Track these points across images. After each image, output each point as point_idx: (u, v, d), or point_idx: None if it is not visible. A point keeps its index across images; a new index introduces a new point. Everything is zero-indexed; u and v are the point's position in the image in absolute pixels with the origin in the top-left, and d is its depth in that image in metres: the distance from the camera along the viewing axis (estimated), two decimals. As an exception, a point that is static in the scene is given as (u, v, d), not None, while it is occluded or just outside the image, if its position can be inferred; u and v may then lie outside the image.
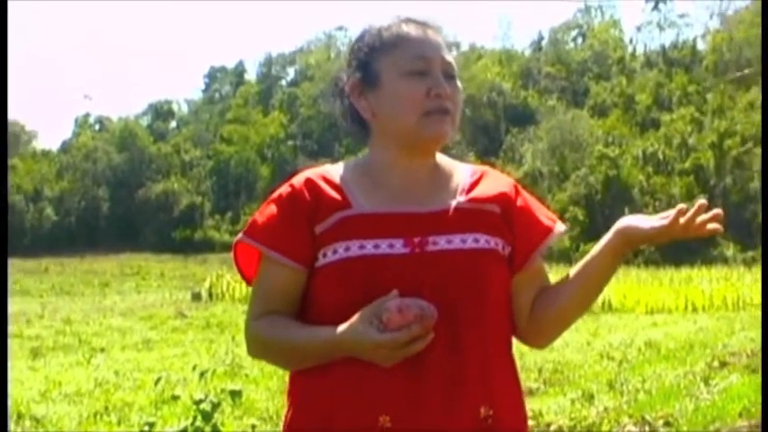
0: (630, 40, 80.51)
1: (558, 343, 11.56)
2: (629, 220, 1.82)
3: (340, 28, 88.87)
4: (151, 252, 60.66)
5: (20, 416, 7.47)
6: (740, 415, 6.79)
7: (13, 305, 21.80)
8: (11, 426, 7.17)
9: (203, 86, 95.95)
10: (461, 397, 1.74)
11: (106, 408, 7.75)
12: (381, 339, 1.65)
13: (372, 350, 1.67)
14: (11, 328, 15.62)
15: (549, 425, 6.75)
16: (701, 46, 71.63)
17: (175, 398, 6.00)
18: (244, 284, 2.08)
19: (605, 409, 7.30)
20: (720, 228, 1.77)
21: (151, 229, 68.25)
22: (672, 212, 1.75)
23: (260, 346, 1.85)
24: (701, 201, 1.77)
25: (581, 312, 1.92)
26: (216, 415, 4.64)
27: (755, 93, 50.21)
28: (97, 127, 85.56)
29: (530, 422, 6.57)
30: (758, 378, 7.99)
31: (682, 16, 78.85)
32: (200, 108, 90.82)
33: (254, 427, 5.99)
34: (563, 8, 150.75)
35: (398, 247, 1.76)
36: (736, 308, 18.87)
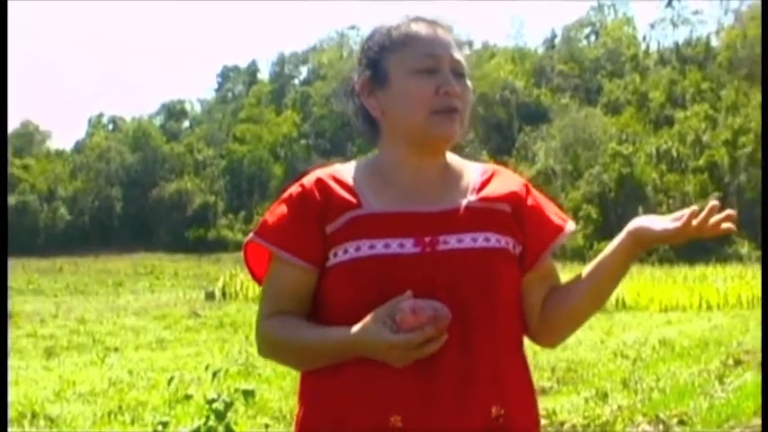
0: (644, 38, 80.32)
1: (571, 341, 11.53)
2: (641, 222, 1.81)
3: (352, 27, 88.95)
4: (165, 251, 60.83)
5: (34, 415, 7.49)
6: (755, 413, 6.76)
7: (28, 304, 21.94)
8: (25, 425, 7.21)
9: (216, 86, 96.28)
10: (473, 396, 1.73)
11: (120, 407, 7.77)
12: (395, 340, 1.64)
13: (386, 351, 1.67)
14: (26, 328, 15.71)
15: (562, 424, 6.73)
16: (714, 43, 71.40)
17: (188, 397, 6.01)
18: (257, 284, 2.08)
19: (619, 407, 7.27)
20: (734, 227, 1.75)
21: (164, 229, 68.46)
22: (685, 214, 1.74)
23: (271, 347, 1.85)
24: (714, 202, 1.75)
25: (593, 312, 1.91)
26: (229, 414, 4.64)
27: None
28: (110, 127, 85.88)
29: (543, 421, 6.56)
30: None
31: (695, 13, 78.38)
32: (213, 107, 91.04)
33: (267, 426, 5.99)
34: (576, 6, 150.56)
35: (409, 246, 1.76)
36: (750, 306, 18.78)
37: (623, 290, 20.37)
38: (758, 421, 6.49)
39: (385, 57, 1.83)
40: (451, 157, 1.91)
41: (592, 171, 56.80)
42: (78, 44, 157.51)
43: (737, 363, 9.72)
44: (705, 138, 56.95)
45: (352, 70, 1.94)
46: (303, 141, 76.38)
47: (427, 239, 1.76)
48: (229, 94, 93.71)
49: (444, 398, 1.71)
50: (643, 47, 78.50)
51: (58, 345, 13.28)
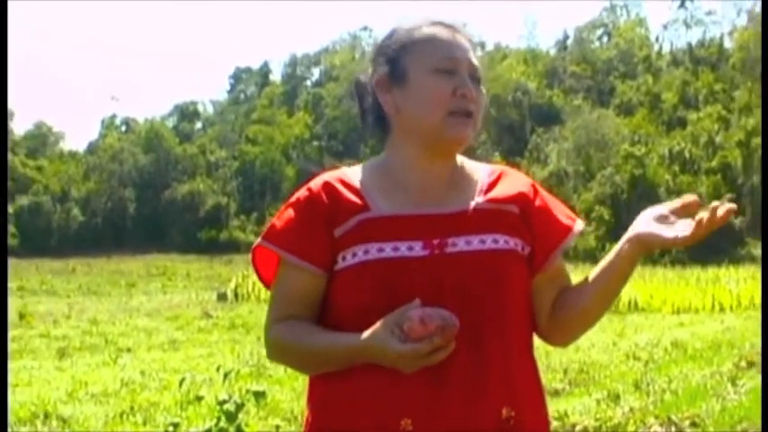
0: (656, 39, 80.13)
1: (583, 343, 11.51)
2: (647, 227, 1.77)
3: (365, 28, 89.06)
4: (177, 252, 60.97)
5: (47, 416, 7.52)
6: (768, 416, 6.72)
7: (41, 305, 22.02)
8: (38, 425, 7.23)
9: (228, 87, 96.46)
10: (483, 398, 1.73)
11: (132, 408, 7.78)
12: (403, 349, 1.64)
13: (394, 359, 1.67)
14: (39, 328, 15.77)
15: (574, 425, 6.71)
16: (727, 44, 71.05)
17: (200, 398, 6.02)
18: (266, 288, 2.07)
19: (631, 409, 7.25)
20: (734, 207, 1.73)
21: (177, 230, 68.62)
22: (692, 223, 1.71)
23: (279, 351, 1.85)
24: (714, 204, 1.72)
25: (602, 312, 1.90)
26: (240, 415, 4.65)
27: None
28: (123, 128, 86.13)
29: (555, 423, 6.55)
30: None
31: (708, 14, 78.11)
32: (225, 109, 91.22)
33: (278, 427, 6.00)
34: (588, 7, 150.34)
35: (418, 249, 1.76)
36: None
37: (636, 291, 20.30)
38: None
39: (404, 55, 1.84)
40: (459, 159, 1.90)
41: (604, 172, 56.66)
42: (91, 46, 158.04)
43: (750, 365, 9.67)
44: (718, 139, 56.75)
45: (361, 72, 1.94)
46: (315, 143, 76.43)
47: (436, 242, 1.76)
48: (242, 96, 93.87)
49: (455, 400, 1.71)
50: (656, 48, 78.29)
51: (71, 345, 13.32)
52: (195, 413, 7.09)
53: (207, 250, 60.76)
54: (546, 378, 8.69)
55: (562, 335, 1.91)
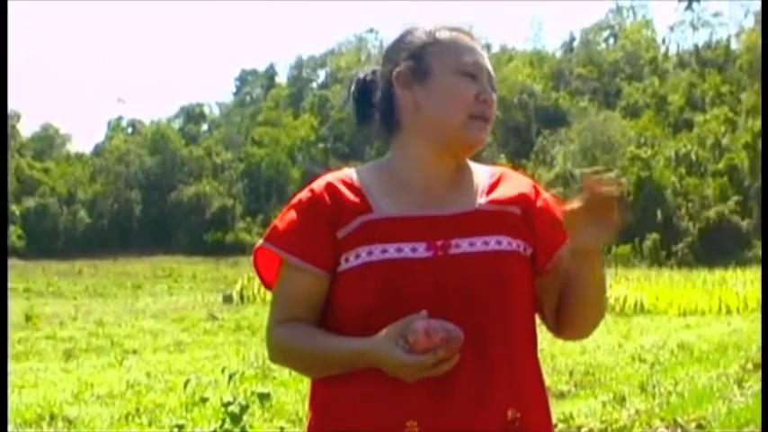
0: (663, 40, 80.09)
1: (589, 345, 11.46)
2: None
3: (370, 30, 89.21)
4: (183, 254, 61.07)
5: (53, 417, 7.52)
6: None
7: (47, 307, 22.06)
8: (44, 427, 7.24)
9: (234, 89, 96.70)
10: (488, 400, 1.73)
11: (137, 409, 7.78)
12: (407, 361, 1.64)
13: (397, 368, 1.66)
14: (45, 330, 15.80)
15: (579, 428, 6.70)
16: (734, 45, 70.98)
17: (205, 400, 6.02)
18: (267, 290, 2.06)
19: (637, 411, 7.23)
20: (623, 183, 1.74)
21: (183, 232, 68.73)
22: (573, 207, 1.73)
23: (281, 353, 1.84)
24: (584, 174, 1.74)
25: (593, 310, 1.87)
26: (245, 417, 4.64)
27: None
28: (129, 130, 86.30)
29: (560, 425, 6.53)
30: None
31: (715, 15, 78.07)
32: (231, 111, 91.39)
33: (282, 429, 5.99)
34: (594, 9, 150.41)
35: (421, 250, 1.75)
36: (770, 310, 18.63)
37: (642, 293, 20.28)
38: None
39: (429, 53, 1.83)
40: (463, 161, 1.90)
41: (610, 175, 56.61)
42: (98, 48, 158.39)
43: (756, 367, 9.64)
44: (725, 141, 56.71)
45: (362, 71, 1.93)
46: (321, 145, 76.53)
47: (439, 243, 1.76)
48: (247, 98, 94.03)
49: (460, 402, 1.71)
50: (662, 50, 78.27)
51: (77, 347, 13.33)
52: (200, 415, 7.09)
53: (213, 252, 60.87)
54: (551, 380, 8.68)
55: (569, 331, 1.92)
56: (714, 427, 6.66)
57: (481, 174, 1.91)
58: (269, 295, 1.89)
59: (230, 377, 5.14)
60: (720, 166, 54.63)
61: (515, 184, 1.90)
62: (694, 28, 77.42)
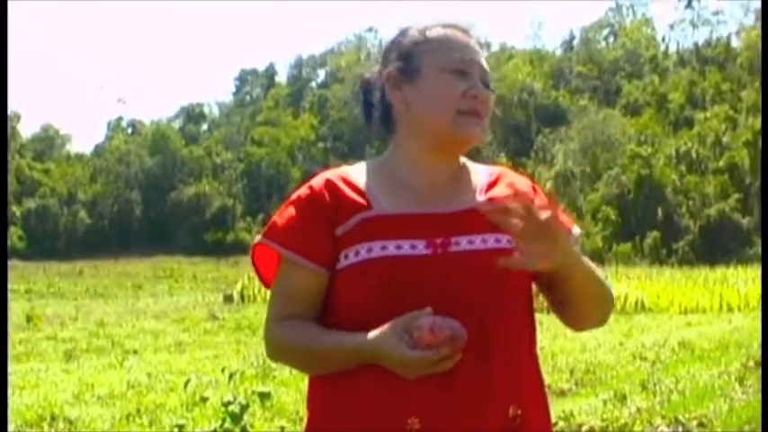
0: (663, 39, 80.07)
1: (590, 343, 11.44)
2: None
3: (370, 29, 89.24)
4: (183, 254, 61.13)
5: (53, 418, 7.51)
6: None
7: (48, 307, 22.05)
8: (44, 428, 7.23)
9: (234, 89, 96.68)
10: (490, 397, 1.73)
11: (138, 410, 7.77)
12: (410, 357, 1.63)
13: (399, 364, 1.66)
14: (46, 331, 15.79)
15: (580, 426, 6.69)
16: (735, 43, 70.96)
17: (205, 400, 6.01)
18: (265, 286, 2.05)
19: (638, 409, 7.23)
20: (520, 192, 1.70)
21: (183, 232, 68.80)
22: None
23: (280, 350, 1.84)
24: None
25: (591, 304, 1.87)
26: (245, 417, 4.64)
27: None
28: (130, 130, 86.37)
29: (561, 423, 6.52)
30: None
31: (716, 13, 77.99)
32: (231, 111, 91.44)
33: (283, 428, 5.98)
34: (594, 7, 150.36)
35: (420, 248, 1.75)
36: (771, 307, 18.60)
37: (643, 292, 20.27)
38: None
39: (418, 52, 1.84)
40: (461, 159, 1.90)
41: (611, 173, 56.63)
42: (98, 48, 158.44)
43: (758, 365, 9.63)
44: (725, 139, 56.69)
45: (367, 71, 1.94)
46: (321, 144, 76.57)
47: (439, 241, 1.76)
48: (247, 98, 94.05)
49: (462, 399, 1.71)
50: (662, 48, 78.26)
51: (78, 347, 13.32)
52: (201, 414, 7.08)
53: (213, 252, 60.94)
54: (552, 378, 8.67)
55: (582, 323, 1.93)
56: (715, 425, 6.66)
57: (480, 173, 1.91)
58: (269, 295, 1.88)
59: (231, 377, 5.14)
60: (721, 163, 54.61)
61: (514, 183, 1.90)
62: (694, 26, 77.45)
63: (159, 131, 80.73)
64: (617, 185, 55.27)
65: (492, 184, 1.87)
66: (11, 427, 7.02)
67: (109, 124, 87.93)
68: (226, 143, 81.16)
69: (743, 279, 26.10)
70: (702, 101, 64.07)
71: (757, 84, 57.03)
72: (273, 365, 9.60)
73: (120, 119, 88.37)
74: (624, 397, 7.80)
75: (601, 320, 1.92)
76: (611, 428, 6.65)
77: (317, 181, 1.84)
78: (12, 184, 61.42)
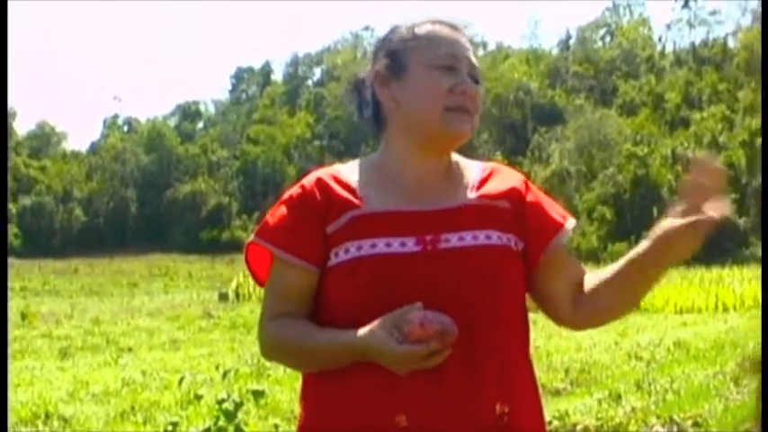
0: (660, 39, 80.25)
1: (585, 343, 11.44)
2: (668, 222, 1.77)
3: (366, 28, 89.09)
4: (179, 253, 61.13)
5: (48, 415, 7.51)
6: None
7: (44, 305, 22.06)
8: (39, 425, 7.22)
9: (230, 87, 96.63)
10: (477, 394, 1.72)
11: (132, 407, 7.77)
12: (400, 351, 1.63)
13: (389, 359, 1.66)
14: (41, 329, 15.79)
15: (575, 425, 6.69)
16: (731, 43, 71.02)
17: (199, 398, 6.00)
18: (259, 286, 2.06)
19: (633, 409, 7.23)
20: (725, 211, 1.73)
21: (179, 230, 68.78)
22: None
23: (274, 349, 1.84)
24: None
25: (626, 308, 1.89)
26: (239, 415, 4.63)
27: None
28: (125, 128, 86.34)
29: (556, 422, 6.51)
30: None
31: (712, 14, 78.20)
32: (227, 109, 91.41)
33: (276, 426, 5.98)
34: (591, 7, 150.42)
35: (410, 245, 1.74)
36: (767, 308, 18.60)
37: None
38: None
39: (405, 49, 1.83)
40: (453, 156, 1.90)
41: (606, 172, 56.68)
42: (94, 46, 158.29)
43: (753, 365, 9.64)
44: (722, 139, 56.72)
45: (363, 70, 1.94)
46: (317, 142, 76.56)
47: (428, 238, 1.75)
48: (243, 96, 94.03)
49: (449, 396, 1.70)
50: (659, 48, 78.33)
51: (73, 345, 13.33)
52: (195, 412, 7.08)
53: (209, 250, 60.92)
54: (547, 378, 8.67)
55: (594, 319, 1.91)
56: (710, 424, 6.66)
57: (473, 169, 1.90)
58: (263, 294, 1.88)
59: (225, 375, 5.13)
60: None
61: (506, 178, 1.89)
62: (691, 26, 77.49)
63: (155, 129, 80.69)
64: (613, 185, 55.33)
65: (484, 180, 1.87)
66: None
67: (105, 122, 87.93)
68: (222, 141, 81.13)
69: (738, 279, 26.11)
70: (699, 101, 64.13)
71: (754, 84, 57.12)
72: (268, 364, 9.60)
73: (116, 116, 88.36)
74: (619, 396, 7.80)
75: (613, 321, 1.94)
76: (605, 428, 6.65)
77: (309, 180, 1.84)
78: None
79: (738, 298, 20.07)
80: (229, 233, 66.84)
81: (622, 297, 1.85)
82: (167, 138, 79.14)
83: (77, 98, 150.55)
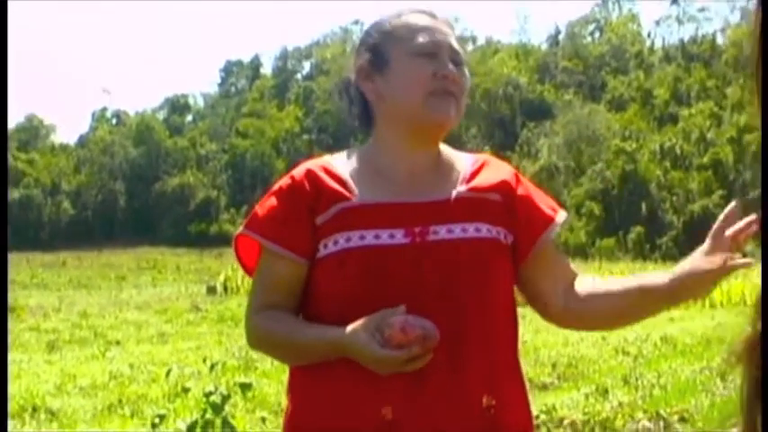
0: (649, 35, 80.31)
1: (572, 337, 11.46)
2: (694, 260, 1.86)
3: (356, 22, 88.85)
4: (167, 246, 60.95)
5: (35, 408, 7.49)
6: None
7: (31, 298, 21.96)
8: (26, 419, 7.20)
9: (219, 80, 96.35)
10: (464, 388, 1.73)
11: (120, 400, 7.76)
12: (380, 355, 1.64)
13: (371, 362, 1.67)
14: (29, 322, 15.73)
15: (562, 419, 6.70)
16: (720, 40, 71.20)
17: (186, 390, 5.99)
18: (248, 276, 2.07)
19: (620, 404, 7.24)
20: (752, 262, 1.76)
21: (167, 223, 68.61)
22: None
23: (260, 339, 1.85)
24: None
25: (627, 323, 1.96)
26: (227, 407, 4.63)
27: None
28: (114, 121, 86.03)
29: (543, 416, 6.53)
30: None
31: (701, 10, 78.21)
32: (216, 102, 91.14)
33: (264, 419, 5.98)
34: (580, 2, 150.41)
35: (399, 237, 1.75)
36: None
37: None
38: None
39: (385, 42, 1.84)
40: (443, 148, 1.90)
41: (595, 168, 56.77)
42: (83, 39, 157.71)
43: (740, 361, 9.66)
44: (710, 135, 56.89)
45: (351, 69, 1.94)
46: (306, 136, 76.44)
47: (417, 230, 1.76)
48: (232, 89, 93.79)
49: (435, 389, 1.71)
50: (648, 44, 78.44)
51: (61, 338, 13.28)
52: (182, 405, 7.06)
53: (197, 243, 60.76)
54: (534, 372, 8.68)
55: (571, 322, 1.94)
56: (697, 419, 6.68)
57: (463, 161, 1.90)
58: (251, 284, 1.89)
59: (212, 368, 5.13)
60: (705, 160, 54.80)
61: (497, 171, 1.89)
62: (680, 23, 77.65)
63: (144, 122, 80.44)
64: (601, 180, 55.43)
65: (475, 173, 1.87)
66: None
67: (93, 115, 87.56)
68: (210, 134, 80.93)
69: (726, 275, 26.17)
70: (687, 97, 64.28)
71: (742, 81, 57.22)
72: (255, 356, 9.59)
73: (104, 109, 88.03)
74: (606, 391, 7.81)
75: (598, 330, 1.98)
76: (592, 422, 6.66)
77: (298, 171, 1.84)
78: (-5, 174, 61.11)
79: (725, 294, 20.10)
80: (218, 226, 66.72)
81: (618, 312, 1.86)
82: (156, 131, 78.91)
83: (66, 91, 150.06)
